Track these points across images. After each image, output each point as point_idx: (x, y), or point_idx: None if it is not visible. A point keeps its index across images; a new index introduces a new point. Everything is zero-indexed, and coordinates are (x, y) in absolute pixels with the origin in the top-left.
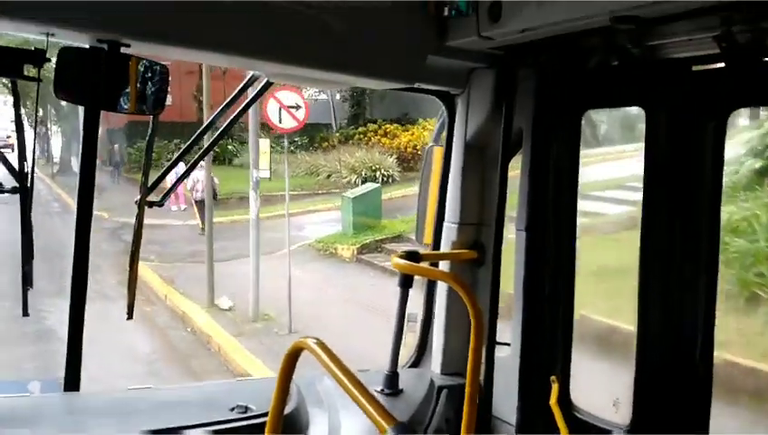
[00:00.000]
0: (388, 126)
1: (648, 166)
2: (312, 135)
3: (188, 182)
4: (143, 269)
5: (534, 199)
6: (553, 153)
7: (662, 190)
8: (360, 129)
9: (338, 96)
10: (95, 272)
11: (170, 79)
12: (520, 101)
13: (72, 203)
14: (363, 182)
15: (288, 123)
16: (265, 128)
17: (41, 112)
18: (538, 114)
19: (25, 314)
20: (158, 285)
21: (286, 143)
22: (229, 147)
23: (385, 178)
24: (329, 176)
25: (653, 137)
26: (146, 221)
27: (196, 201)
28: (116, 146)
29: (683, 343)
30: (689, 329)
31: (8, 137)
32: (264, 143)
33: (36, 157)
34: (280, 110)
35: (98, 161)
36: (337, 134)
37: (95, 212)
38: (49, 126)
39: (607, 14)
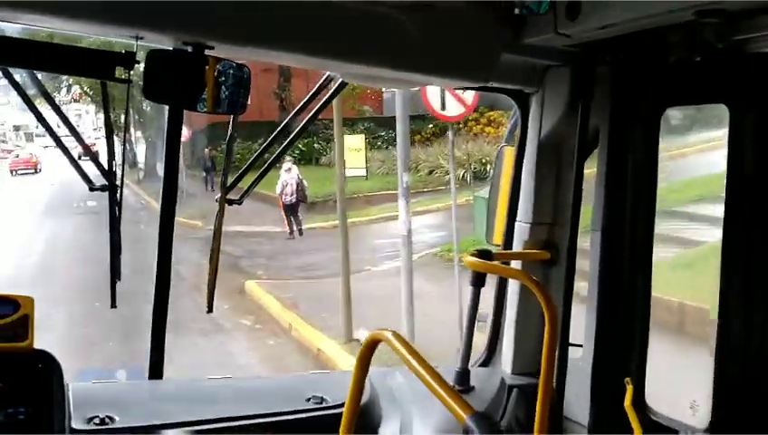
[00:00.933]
0: (491, 113)
1: (730, 167)
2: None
3: (277, 186)
4: (255, 288)
5: (610, 200)
6: (631, 152)
7: (746, 192)
8: None
9: None
10: (199, 295)
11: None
12: (596, 99)
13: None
14: (475, 178)
15: (454, 110)
16: (348, 123)
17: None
18: (615, 112)
19: (113, 305)
20: (279, 311)
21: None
22: (315, 145)
23: None
24: (431, 172)
25: (737, 136)
26: (245, 228)
27: (285, 205)
28: (206, 150)
29: (765, 344)
30: None
31: (93, 145)
32: (357, 139)
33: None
34: (443, 94)
35: (184, 166)
36: (431, 126)
37: (189, 221)
38: (132, 131)
39: (691, 8)
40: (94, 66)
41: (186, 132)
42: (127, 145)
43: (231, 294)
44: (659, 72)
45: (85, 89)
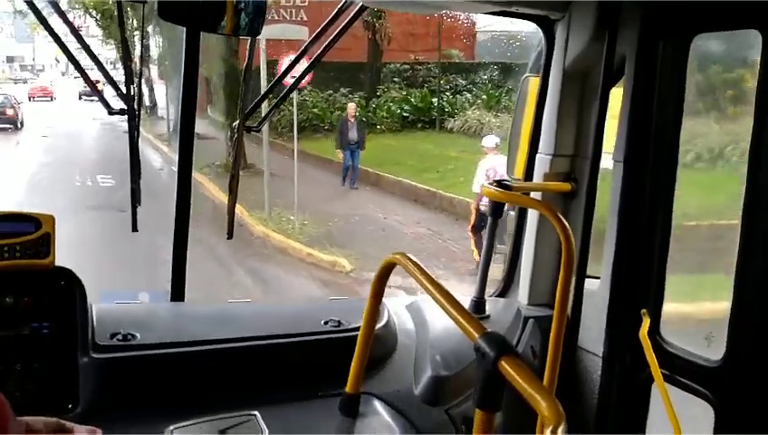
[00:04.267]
0: None
1: (761, 96)
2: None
3: (474, 183)
4: None
5: (635, 130)
6: (658, 82)
7: None
8: None
9: None
10: None
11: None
12: (624, 25)
13: (215, 193)
14: None
15: None
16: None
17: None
18: (643, 39)
19: (134, 229)
20: None
21: None
22: (433, 99)
23: None
24: None
25: None
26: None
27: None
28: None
29: None
30: None
31: (97, 82)
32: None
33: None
34: None
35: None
36: None
37: None
38: (151, 74)
39: None
40: None
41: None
42: (143, 74)
43: None
44: None
45: (91, 12)
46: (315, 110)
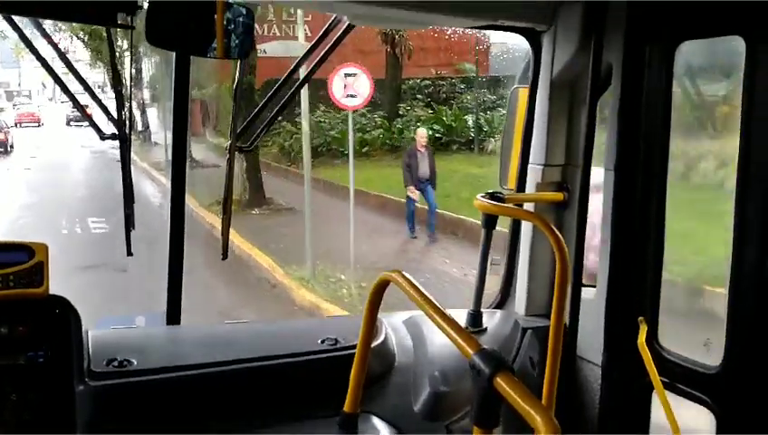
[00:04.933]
0: None
1: (746, 104)
2: None
3: None
4: None
5: (624, 138)
6: (645, 89)
7: (764, 131)
8: None
9: None
10: None
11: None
12: (609, 34)
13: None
14: None
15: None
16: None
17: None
18: (629, 48)
19: (129, 253)
20: None
21: None
22: (468, 118)
23: None
24: None
25: (754, 72)
26: None
27: None
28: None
29: None
30: None
31: (87, 106)
32: None
33: (133, 139)
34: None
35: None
36: None
37: None
38: (143, 96)
39: None
40: (96, 12)
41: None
42: (132, 96)
43: None
44: (674, 5)
45: (80, 35)
46: (333, 132)
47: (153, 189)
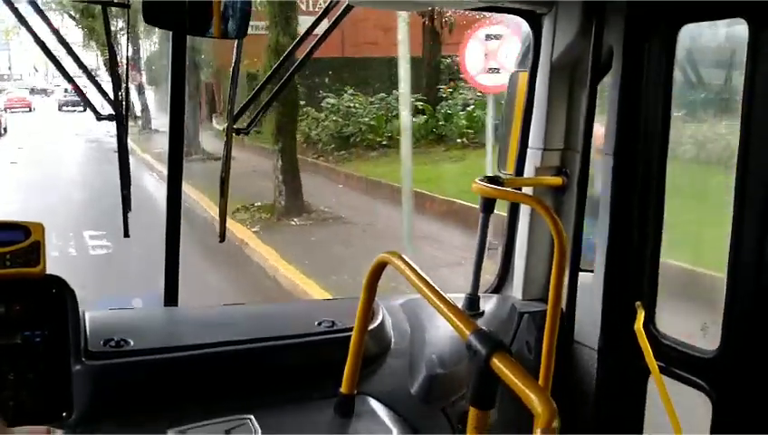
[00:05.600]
0: None
1: (748, 89)
2: None
3: None
4: None
5: (624, 122)
6: (645, 73)
7: (766, 117)
8: None
9: None
10: None
11: None
12: (610, 16)
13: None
14: None
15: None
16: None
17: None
18: (630, 31)
19: (126, 235)
20: None
21: None
22: None
23: None
24: None
25: (757, 56)
26: None
27: None
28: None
29: None
30: None
31: (84, 87)
32: None
33: (130, 123)
34: None
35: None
36: None
37: None
38: (142, 78)
39: None
40: None
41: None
42: (129, 78)
43: None
44: None
45: (69, 11)
46: (366, 119)
47: (157, 187)
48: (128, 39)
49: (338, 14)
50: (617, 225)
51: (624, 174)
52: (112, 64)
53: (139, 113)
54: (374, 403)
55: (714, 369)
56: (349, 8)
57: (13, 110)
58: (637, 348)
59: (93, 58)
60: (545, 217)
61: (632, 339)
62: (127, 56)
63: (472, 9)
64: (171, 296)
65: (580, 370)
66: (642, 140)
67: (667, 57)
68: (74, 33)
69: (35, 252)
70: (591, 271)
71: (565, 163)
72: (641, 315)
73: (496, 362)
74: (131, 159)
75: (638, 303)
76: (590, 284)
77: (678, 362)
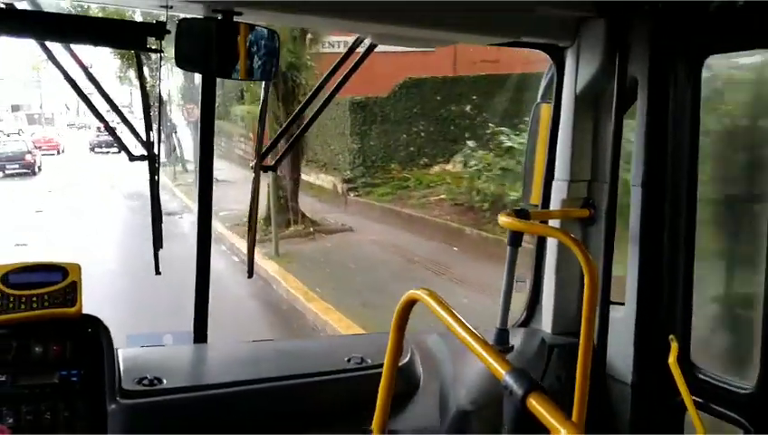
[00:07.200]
0: None
1: None
2: None
3: None
4: None
5: (651, 153)
6: (672, 103)
7: None
8: None
9: None
10: None
11: None
12: (634, 49)
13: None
14: None
15: None
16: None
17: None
18: (654, 62)
19: (157, 272)
20: None
21: None
22: None
23: None
24: None
25: None
26: None
27: None
28: None
29: None
30: None
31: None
32: None
33: (163, 162)
34: None
35: None
36: None
37: None
38: (172, 116)
39: None
40: (126, 37)
41: None
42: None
43: None
44: (700, 18)
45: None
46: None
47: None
48: (159, 82)
49: (362, 53)
50: (647, 257)
51: (653, 205)
52: (145, 107)
53: (172, 149)
54: None
55: (752, 404)
56: (373, 46)
57: (40, 151)
58: (671, 383)
59: (125, 96)
60: (575, 250)
61: (666, 373)
62: (160, 98)
63: (495, 45)
64: (201, 333)
65: (615, 406)
66: (671, 170)
67: (693, 87)
68: (113, 62)
69: (72, 292)
70: (622, 304)
71: (591, 194)
72: (675, 349)
73: (532, 402)
74: (174, 203)
75: (671, 336)
76: (622, 317)
77: (715, 397)
